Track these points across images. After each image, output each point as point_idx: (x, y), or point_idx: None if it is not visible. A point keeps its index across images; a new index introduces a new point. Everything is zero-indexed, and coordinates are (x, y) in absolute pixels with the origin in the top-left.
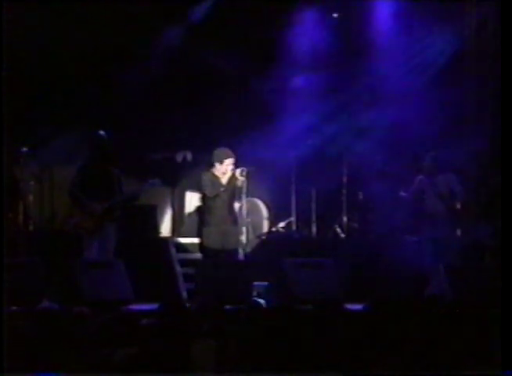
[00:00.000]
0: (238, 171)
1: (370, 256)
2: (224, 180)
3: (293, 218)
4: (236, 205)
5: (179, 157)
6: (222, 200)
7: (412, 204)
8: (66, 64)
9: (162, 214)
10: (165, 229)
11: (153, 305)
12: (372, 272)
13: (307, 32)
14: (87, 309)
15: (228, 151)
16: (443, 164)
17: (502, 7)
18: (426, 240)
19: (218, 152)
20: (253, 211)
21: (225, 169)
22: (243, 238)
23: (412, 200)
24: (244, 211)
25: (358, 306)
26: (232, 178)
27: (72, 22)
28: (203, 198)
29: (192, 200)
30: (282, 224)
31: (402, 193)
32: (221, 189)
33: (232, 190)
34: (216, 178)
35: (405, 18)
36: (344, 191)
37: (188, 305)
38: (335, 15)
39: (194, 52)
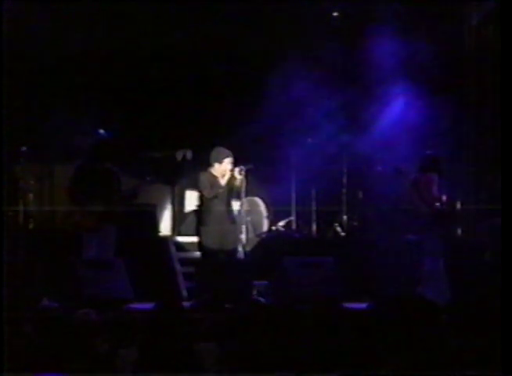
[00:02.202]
0: (236, 170)
1: (370, 255)
2: (223, 181)
3: (293, 217)
4: (236, 204)
5: (179, 156)
6: (221, 199)
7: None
8: (66, 63)
9: (162, 212)
10: (165, 227)
11: (153, 304)
12: (372, 271)
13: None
14: (92, 311)
15: (226, 150)
16: (430, 165)
17: (502, 7)
18: (419, 240)
19: (215, 152)
20: (253, 209)
21: (224, 169)
22: (243, 237)
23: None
24: (244, 210)
25: (358, 305)
26: (231, 178)
27: (71, 21)
28: (201, 197)
29: (192, 199)
30: (282, 223)
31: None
32: (220, 190)
33: (231, 190)
34: (214, 178)
35: (405, 18)
36: (344, 190)
37: (187, 303)
38: (335, 14)
39: (194, 51)
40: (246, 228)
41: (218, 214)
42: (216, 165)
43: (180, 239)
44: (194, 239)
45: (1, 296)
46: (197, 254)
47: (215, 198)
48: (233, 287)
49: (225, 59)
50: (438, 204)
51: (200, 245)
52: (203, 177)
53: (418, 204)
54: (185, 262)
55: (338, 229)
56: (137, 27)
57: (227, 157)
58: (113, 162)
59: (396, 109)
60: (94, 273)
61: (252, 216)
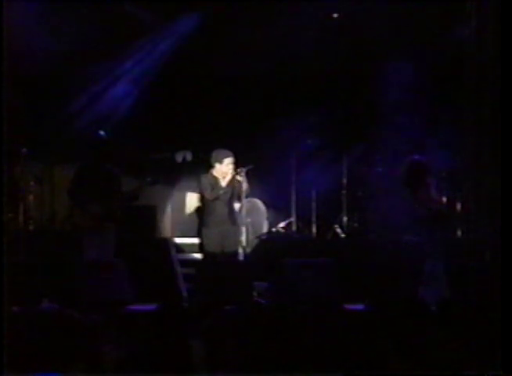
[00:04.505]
0: (239, 177)
1: (370, 256)
2: (224, 182)
3: (293, 219)
4: (236, 205)
5: (179, 157)
6: (222, 201)
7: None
8: (66, 64)
9: (162, 214)
10: (165, 229)
11: (153, 306)
12: (372, 273)
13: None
14: (77, 313)
15: (226, 151)
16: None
17: (502, 7)
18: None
19: (216, 153)
20: (253, 211)
21: (225, 169)
22: (243, 238)
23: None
24: (244, 212)
25: (358, 306)
26: (232, 179)
27: (71, 21)
28: (203, 199)
29: (191, 201)
30: (282, 224)
31: None
32: (221, 191)
33: (232, 191)
34: (216, 180)
35: (405, 18)
36: (344, 191)
37: (186, 304)
38: (335, 15)
39: (195, 52)
40: (247, 229)
41: (220, 215)
42: (217, 166)
43: (180, 240)
44: (194, 240)
45: (2, 297)
46: (197, 255)
47: (217, 200)
48: (233, 288)
49: (228, 62)
50: (436, 205)
51: (201, 246)
52: (204, 179)
53: (416, 205)
54: (184, 263)
55: (338, 230)
56: (136, 25)
57: (227, 157)
58: (113, 163)
59: (394, 109)
60: (94, 274)
61: (252, 217)
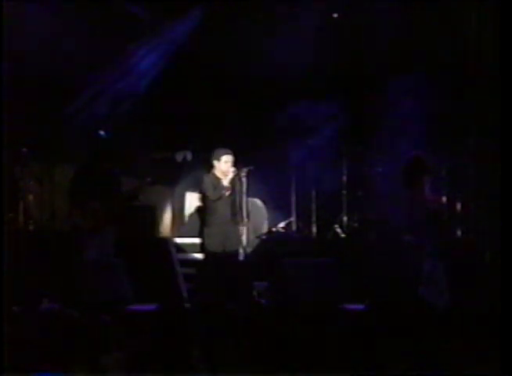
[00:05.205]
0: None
1: (370, 256)
2: (225, 182)
3: (293, 219)
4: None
5: (179, 157)
6: (224, 200)
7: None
8: (65, 63)
9: (162, 214)
10: (165, 229)
11: (153, 306)
12: (372, 273)
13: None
14: (77, 313)
15: (225, 149)
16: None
17: (502, 7)
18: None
19: (215, 151)
20: (253, 211)
21: (223, 167)
22: (244, 238)
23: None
24: (245, 212)
25: (357, 306)
26: (234, 179)
27: (70, 20)
28: (204, 198)
29: (192, 201)
30: (282, 224)
31: None
32: (223, 191)
33: (234, 191)
34: (218, 180)
35: (405, 18)
36: (344, 191)
37: (187, 305)
38: (335, 15)
39: (195, 52)
40: (247, 229)
41: (222, 215)
42: (215, 164)
43: (180, 240)
44: (195, 240)
45: (2, 296)
46: (197, 255)
47: (219, 199)
48: (234, 288)
49: (228, 62)
50: (433, 205)
51: (202, 246)
52: (206, 179)
53: (414, 205)
54: (185, 263)
55: (338, 230)
56: (138, 26)
57: (224, 154)
58: (113, 163)
59: (395, 107)
60: (94, 274)
61: (252, 217)
